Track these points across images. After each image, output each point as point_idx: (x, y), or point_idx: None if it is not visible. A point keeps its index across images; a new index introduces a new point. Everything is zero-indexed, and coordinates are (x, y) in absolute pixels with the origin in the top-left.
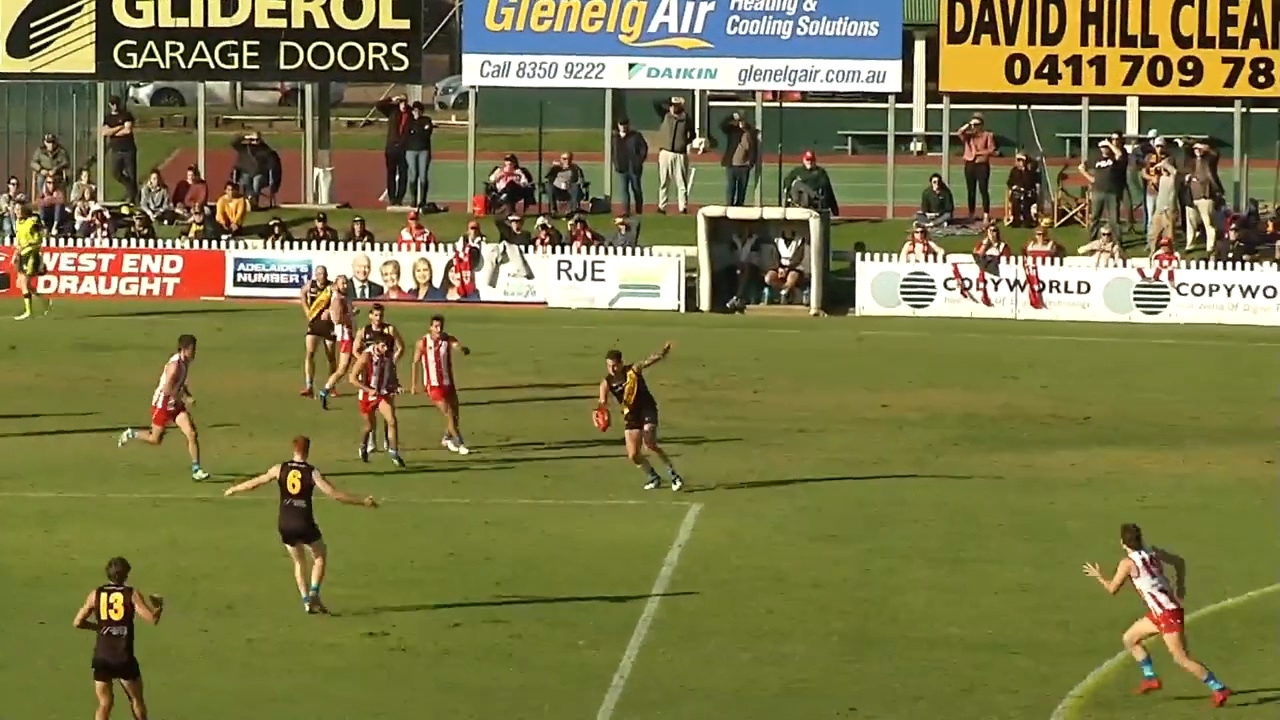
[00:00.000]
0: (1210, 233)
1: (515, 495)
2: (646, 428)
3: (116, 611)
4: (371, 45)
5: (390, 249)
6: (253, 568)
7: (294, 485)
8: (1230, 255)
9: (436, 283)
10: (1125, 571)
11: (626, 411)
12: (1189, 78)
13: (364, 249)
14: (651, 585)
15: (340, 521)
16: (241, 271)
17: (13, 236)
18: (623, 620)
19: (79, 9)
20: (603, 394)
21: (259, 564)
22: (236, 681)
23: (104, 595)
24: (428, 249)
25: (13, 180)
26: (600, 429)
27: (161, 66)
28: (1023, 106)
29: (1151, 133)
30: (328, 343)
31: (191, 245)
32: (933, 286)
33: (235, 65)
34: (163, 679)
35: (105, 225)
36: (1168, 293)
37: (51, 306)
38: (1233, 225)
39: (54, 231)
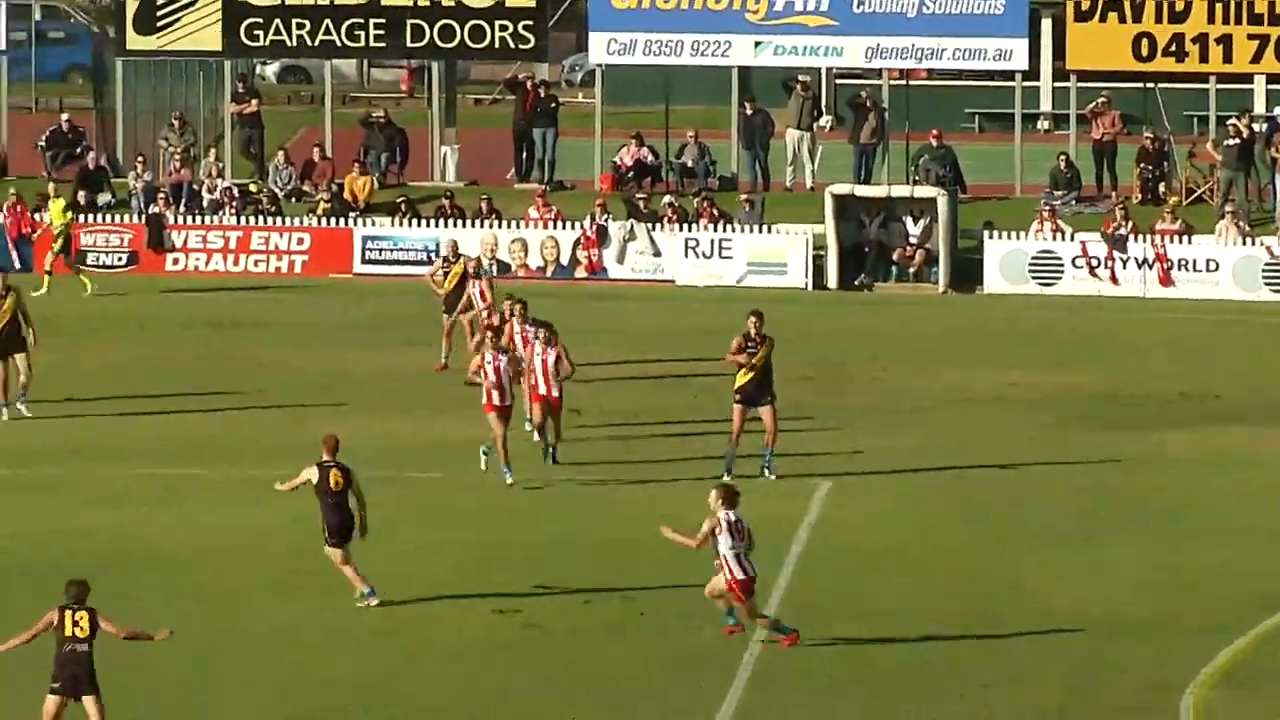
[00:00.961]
0: None
1: (642, 475)
2: (768, 405)
3: (82, 629)
4: (498, 23)
5: (518, 226)
6: (376, 545)
7: (337, 483)
8: None
9: (565, 260)
10: (710, 528)
11: (746, 381)
12: None
13: (492, 226)
14: (780, 564)
15: (470, 503)
16: (369, 249)
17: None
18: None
19: None
20: (735, 348)
21: (382, 541)
22: (355, 661)
23: (68, 613)
24: (555, 226)
25: (140, 158)
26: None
27: (288, 44)
28: (1150, 85)
29: (1278, 111)
30: (463, 317)
31: (319, 223)
32: (1061, 265)
33: (362, 43)
34: (283, 660)
35: (233, 203)
36: None
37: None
38: None
39: (181, 209)
